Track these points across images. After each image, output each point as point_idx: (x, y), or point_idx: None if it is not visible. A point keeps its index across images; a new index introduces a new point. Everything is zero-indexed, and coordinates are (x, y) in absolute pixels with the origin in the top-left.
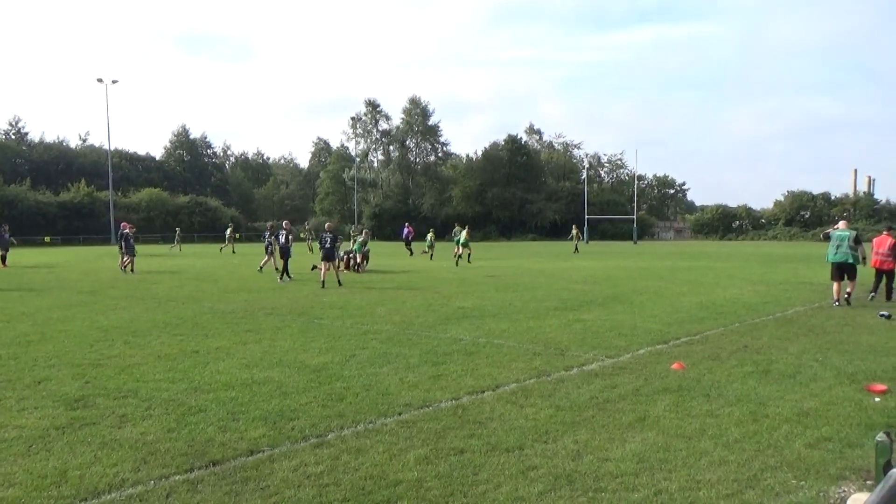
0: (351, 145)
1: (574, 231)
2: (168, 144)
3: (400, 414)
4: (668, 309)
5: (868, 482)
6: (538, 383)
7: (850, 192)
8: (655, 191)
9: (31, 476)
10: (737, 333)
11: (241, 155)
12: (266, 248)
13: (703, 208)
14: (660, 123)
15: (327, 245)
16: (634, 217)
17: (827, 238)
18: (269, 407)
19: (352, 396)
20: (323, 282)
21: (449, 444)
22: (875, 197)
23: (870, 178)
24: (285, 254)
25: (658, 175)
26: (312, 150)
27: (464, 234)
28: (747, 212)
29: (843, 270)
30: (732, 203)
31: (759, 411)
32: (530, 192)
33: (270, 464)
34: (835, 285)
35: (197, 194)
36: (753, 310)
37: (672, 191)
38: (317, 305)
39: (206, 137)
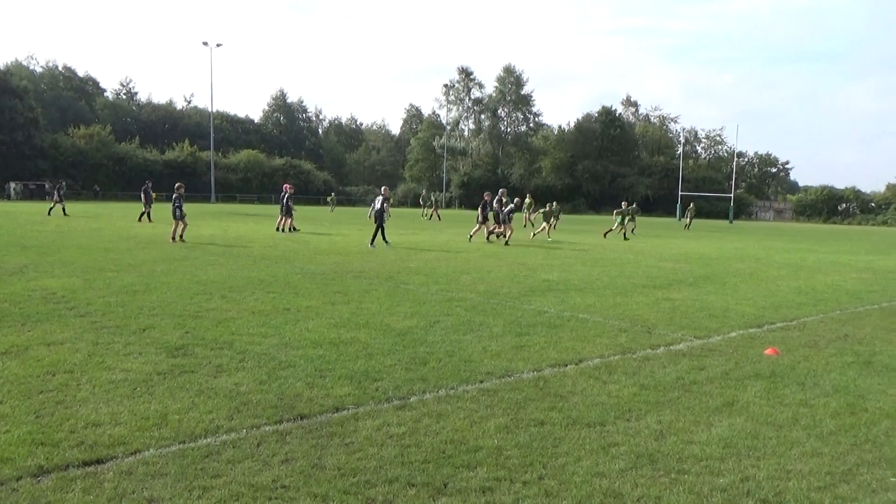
0: (442, 113)
1: (691, 206)
2: (266, 108)
3: (481, 382)
4: (764, 292)
5: None
6: (622, 360)
7: None
8: (756, 169)
9: (136, 417)
10: (837, 322)
11: (335, 120)
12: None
13: (806, 189)
14: (766, 98)
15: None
16: (731, 195)
17: None
18: (354, 367)
19: (434, 361)
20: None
21: (529, 415)
22: None
23: None
24: (379, 219)
25: (759, 153)
26: (404, 116)
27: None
28: (855, 194)
29: None
30: (839, 185)
31: (857, 404)
32: (623, 166)
33: (355, 421)
34: None
35: (291, 157)
36: (857, 298)
37: (774, 169)
38: (403, 270)
39: (302, 102)
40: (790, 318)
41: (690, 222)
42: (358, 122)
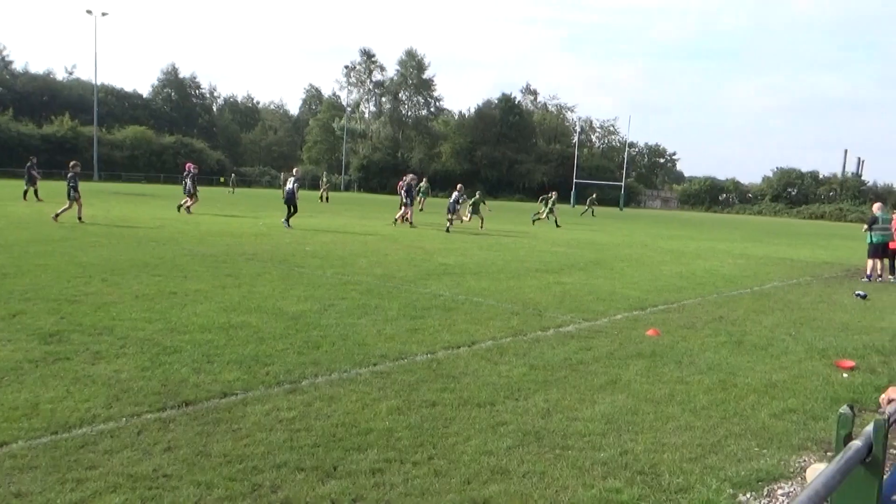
0: (343, 94)
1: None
2: (156, 82)
3: (375, 365)
4: (648, 277)
5: (828, 453)
6: (514, 342)
7: (839, 172)
8: (646, 159)
9: (2, 407)
10: (714, 304)
11: (230, 98)
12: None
13: (691, 179)
14: (657, 92)
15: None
16: (623, 184)
17: (874, 222)
18: (244, 351)
19: (328, 345)
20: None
21: (421, 397)
22: (863, 178)
23: (859, 158)
24: (290, 200)
25: (650, 144)
26: (303, 97)
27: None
28: (735, 185)
29: (883, 250)
30: (721, 176)
31: (728, 380)
32: (520, 153)
33: (243, 407)
34: (871, 263)
35: (183, 135)
36: (732, 282)
37: (662, 160)
38: (298, 253)
39: (195, 77)
40: (671, 300)
41: (589, 210)
42: (254, 101)
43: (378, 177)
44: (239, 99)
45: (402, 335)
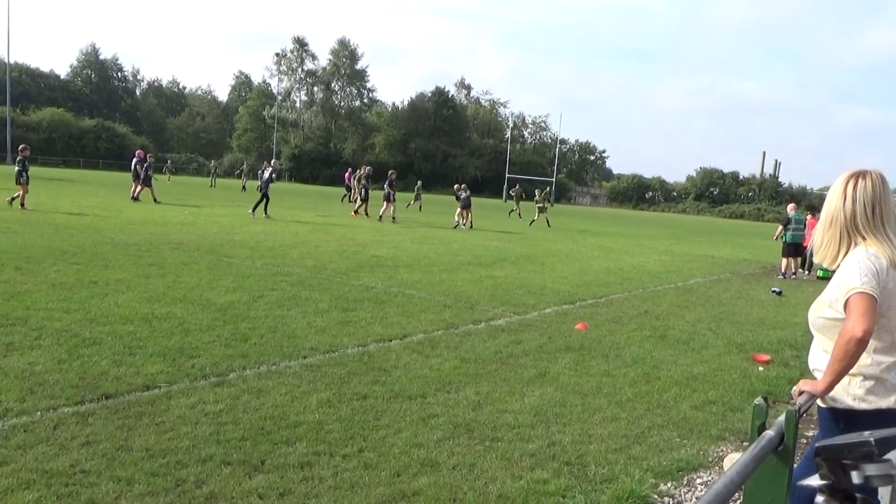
0: (273, 82)
1: (516, 191)
2: (75, 63)
3: (305, 357)
4: (578, 271)
5: (744, 443)
6: (445, 335)
7: (758, 174)
8: (576, 156)
9: None
10: (639, 299)
11: (155, 81)
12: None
13: (619, 177)
14: (587, 89)
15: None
16: (553, 179)
17: (788, 222)
18: (168, 343)
19: (256, 337)
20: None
21: (352, 390)
22: (779, 179)
23: (776, 161)
24: (265, 189)
25: (580, 141)
26: (233, 83)
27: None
28: (661, 184)
29: (797, 248)
30: (648, 174)
31: (652, 373)
32: (454, 147)
33: (167, 400)
34: (785, 261)
35: (104, 119)
36: (657, 278)
37: (592, 157)
38: (227, 243)
39: (117, 59)
40: (600, 295)
41: (519, 212)
42: (181, 86)
43: (310, 167)
44: (164, 83)
45: (333, 327)
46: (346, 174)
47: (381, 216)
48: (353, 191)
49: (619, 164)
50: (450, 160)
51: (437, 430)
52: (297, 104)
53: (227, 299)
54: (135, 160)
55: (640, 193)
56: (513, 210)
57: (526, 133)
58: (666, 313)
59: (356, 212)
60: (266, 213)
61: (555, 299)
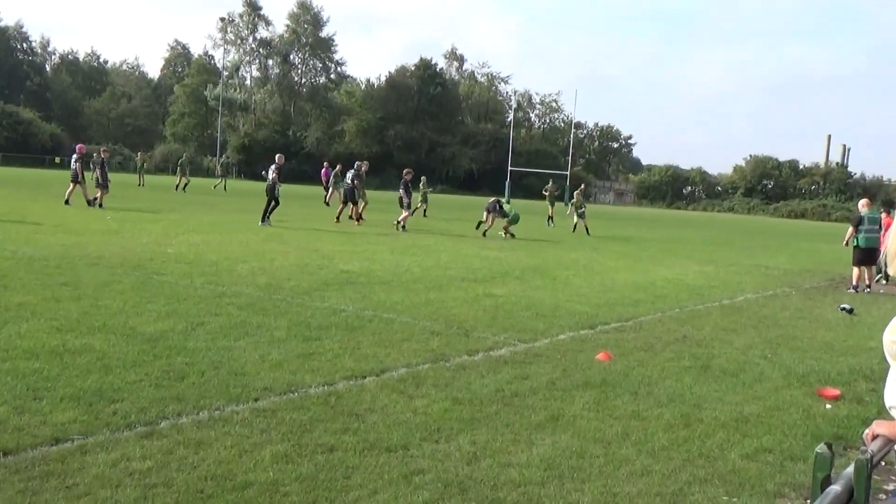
0: (218, 54)
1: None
2: None
3: (256, 400)
4: (599, 287)
5: (807, 501)
6: (433, 369)
7: (822, 163)
8: (596, 143)
9: None
10: (676, 321)
11: (69, 54)
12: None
13: (650, 169)
14: (610, 63)
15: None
16: (568, 173)
17: (859, 222)
18: (84, 384)
19: (195, 375)
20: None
21: (316, 440)
22: (849, 169)
23: (845, 146)
24: (271, 193)
25: (601, 125)
26: (166, 55)
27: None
28: (701, 176)
29: (870, 255)
30: (685, 164)
31: (692, 414)
32: (443, 134)
33: (82, 456)
34: (857, 271)
35: (5, 102)
36: (697, 294)
37: (615, 145)
38: (158, 257)
39: (22, 27)
40: (626, 317)
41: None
42: (101, 60)
43: (263, 160)
44: (80, 57)
45: (291, 362)
46: (323, 170)
47: (400, 223)
48: (330, 191)
49: (649, 152)
50: (438, 150)
51: (422, 490)
52: (248, 82)
53: (158, 328)
54: (74, 157)
55: (676, 188)
56: (551, 217)
57: (533, 116)
58: (709, 338)
59: (339, 217)
60: (267, 220)
61: (570, 323)
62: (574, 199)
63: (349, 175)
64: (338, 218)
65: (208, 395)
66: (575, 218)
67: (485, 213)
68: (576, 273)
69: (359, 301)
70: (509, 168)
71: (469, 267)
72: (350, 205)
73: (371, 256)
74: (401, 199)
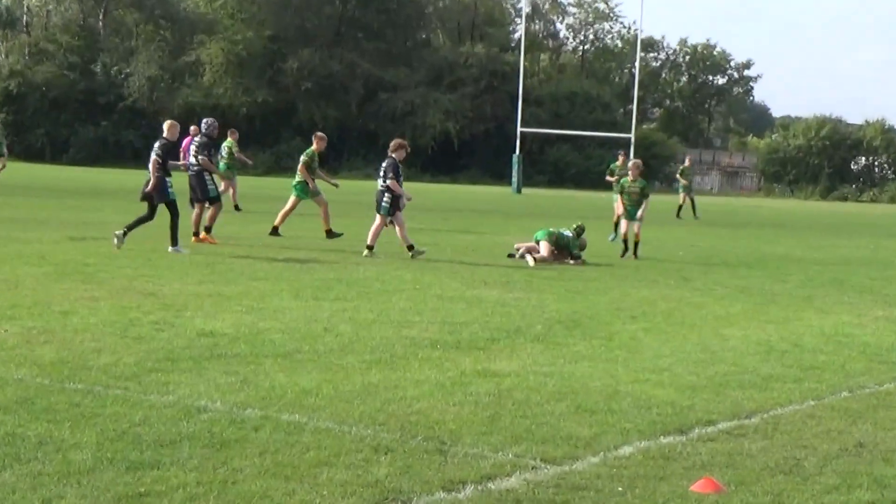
0: None
1: (689, 168)
2: None
3: None
4: (694, 353)
5: None
6: None
7: None
8: (685, 76)
9: None
10: (843, 414)
11: None
12: None
13: (786, 126)
14: None
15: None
16: (631, 136)
17: None
18: None
19: None
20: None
21: None
22: None
23: None
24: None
25: (692, 44)
26: None
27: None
28: (887, 139)
29: None
30: (855, 118)
31: None
32: (390, 65)
33: None
34: None
35: None
36: (881, 362)
37: (721, 81)
38: None
39: None
40: (747, 409)
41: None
42: None
43: (49, 119)
44: None
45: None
46: (187, 139)
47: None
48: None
49: (786, 95)
50: (383, 98)
51: None
52: None
53: None
54: None
55: (838, 161)
56: (682, 206)
57: (562, 28)
58: None
59: (198, 230)
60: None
61: (640, 423)
62: (686, 166)
63: (193, 146)
64: (196, 232)
65: None
66: (681, 196)
67: (544, 247)
68: (650, 327)
69: (235, 390)
70: (519, 128)
71: (448, 319)
72: (204, 204)
73: (258, 304)
74: (386, 195)
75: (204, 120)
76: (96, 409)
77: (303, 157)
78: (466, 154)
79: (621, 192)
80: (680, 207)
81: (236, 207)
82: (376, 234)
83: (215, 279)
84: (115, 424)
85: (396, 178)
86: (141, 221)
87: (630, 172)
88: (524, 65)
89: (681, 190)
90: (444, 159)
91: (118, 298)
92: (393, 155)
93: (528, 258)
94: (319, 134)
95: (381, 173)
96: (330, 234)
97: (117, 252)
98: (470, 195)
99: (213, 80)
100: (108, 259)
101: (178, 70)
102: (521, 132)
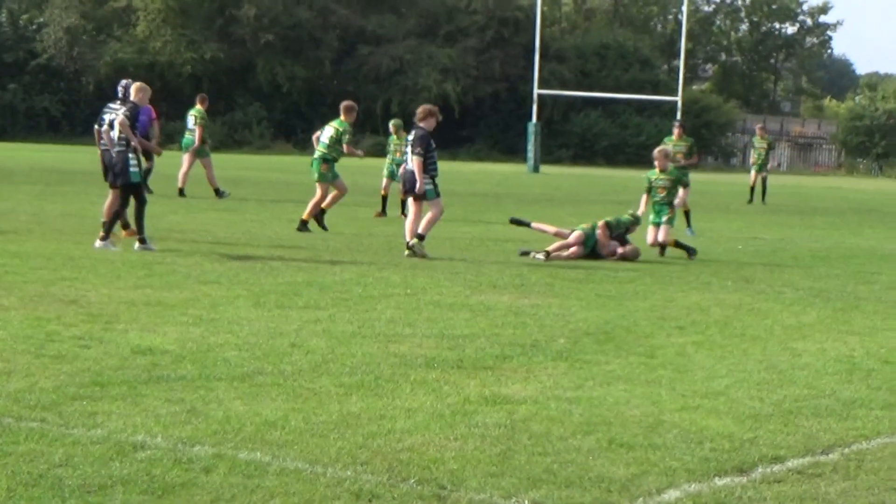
0: None
1: (761, 140)
2: None
3: None
4: (756, 374)
5: None
6: None
7: None
8: (745, 24)
9: None
10: None
11: None
12: None
13: (873, 85)
14: None
15: None
16: (678, 98)
17: None
18: None
19: None
20: None
21: None
22: None
23: None
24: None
25: None
26: None
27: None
28: None
29: None
30: None
31: None
32: (372, 11)
33: None
34: None
35: None
36: None
37: (792, 28)
38: None
39: None
40: (824, 444)
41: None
42: None
43: None
44: None
45: None
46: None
47: (414, 244)
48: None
49: (873, 50)
50: (368, 55)
51: None
52: None
53: None
54: None
55: None
56: (753, 187)
57: None
58: None
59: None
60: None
61: (688, 461)
62: (759, 138)
63: (108, 117)
64: (127, 224)
65: None
66: (753, 176)
67: (601, 232)
68: (702, 340)
69: (180, 423)
70: (535, 91)
71: (447, 332)
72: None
73: (209, 313)
74: (410, 180)
75: (121, 82)
76: (6, 447)
77: (346, 137)
78: (470, 123)
79: (648, 190)
80: (752, 190)
81: (180, 192)
82: (431, 224)
83: (154, 283)
84: (30, 466)
85: (426, 152)
86: (139, 210)
87: (656, 162)
88: (542, 9)
89: (754, 168)
90: (441, 130)
91: (32, 307)
92: (422, 125)
93: (539, 254)
94: (349, 103)
95: (408, 147)
96: (304, 225)
97: (30, 250)
98: (474, 175)
99: (148, 31)
100: (18, 258)
101: (105, 19)
102: (539, 95)
